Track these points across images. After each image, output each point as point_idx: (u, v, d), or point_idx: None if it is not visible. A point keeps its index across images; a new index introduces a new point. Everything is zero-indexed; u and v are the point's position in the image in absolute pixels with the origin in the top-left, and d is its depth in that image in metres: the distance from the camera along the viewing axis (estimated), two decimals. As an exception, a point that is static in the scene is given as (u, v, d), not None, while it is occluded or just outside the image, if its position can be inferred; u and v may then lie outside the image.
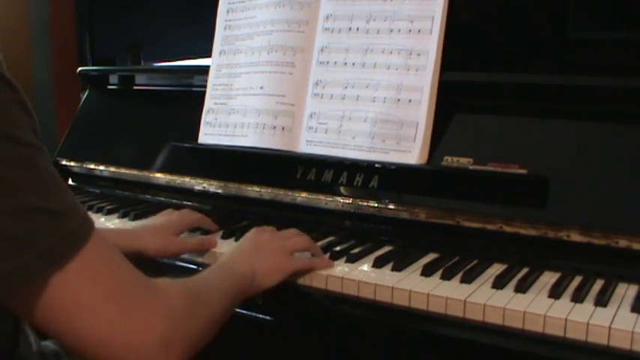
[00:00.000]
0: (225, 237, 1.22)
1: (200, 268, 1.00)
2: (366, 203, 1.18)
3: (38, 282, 0.64)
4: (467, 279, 0.98)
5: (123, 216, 1.38)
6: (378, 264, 1.05)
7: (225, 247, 1.17)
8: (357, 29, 1.24)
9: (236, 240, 1.19)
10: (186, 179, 1.42)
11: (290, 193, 1.27)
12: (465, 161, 1.11)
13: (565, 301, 0.90)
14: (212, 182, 1.38)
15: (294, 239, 1.06)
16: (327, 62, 1.27)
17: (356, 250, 1.11)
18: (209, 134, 1.41)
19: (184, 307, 0.74)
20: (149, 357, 0.69)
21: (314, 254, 1.07)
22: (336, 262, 1.07)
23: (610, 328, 0.82)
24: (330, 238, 1.19)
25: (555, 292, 0.92)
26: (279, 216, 1.28)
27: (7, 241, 0.62)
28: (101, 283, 0.68)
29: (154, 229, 1.14)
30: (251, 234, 1.06)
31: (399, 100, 1.18)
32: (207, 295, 0.82)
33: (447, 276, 0.99)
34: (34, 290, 0.64)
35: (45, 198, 0.64)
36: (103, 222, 1.35)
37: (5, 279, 0.63)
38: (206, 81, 1.43)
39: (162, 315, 0.71)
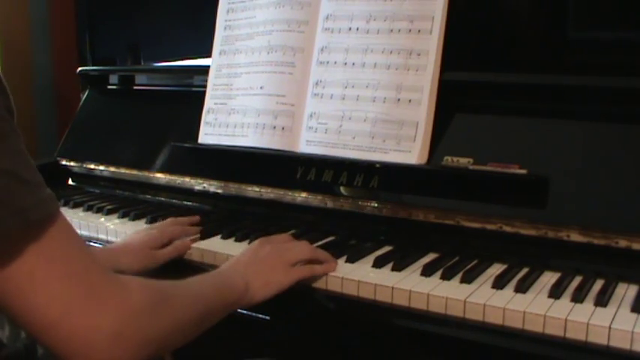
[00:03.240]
0: (225, 237, 1.22)
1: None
2: (366, 203, 1.18)
3: (3, 243, 0.64)
4: (467, 279, 0.98)
5: (123, 216, 1.38)
6: (378, 264, 1.05)
7: (224, 246, 1.17)
8: (357, 29, 1.24)
9: (236, 240, 1.20)
10: (186, 179, 1.42)
11: (290, 193, 1.27)
12: (464, 161, 1.11)
13: (565, 301, 0.90)
14: (212, 182, 1.38)
15: (296, 250, 1.05)
16: (327, 62, 1.27)
17: (356, 250, 1.11)
18: (209, 134, 1.41)
19: (145, 305, 0.73)
20: (96, 346, 0.68)
21: (321, 261, 1.06)
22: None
23: (610, 328, 0.82)
24: (330, 238, 1.19)
25: (555, 292, 0.92)
26: (279, 216, 1.28)
27: None
28: (59, 263, 0.68)
29: (132, 249, 1.14)
30: (253, 246, 1.05)
31: (399, 100, 1.18)
32: (179, 299, 0.80)
33: (447, 276, 0.99)
34: None
35: (17, 166, 0.65)
36: (103, 222, 1.35)
37: None
38: (206, 81, 1.43)
39: (117, 308, 0.70)
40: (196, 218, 1.29)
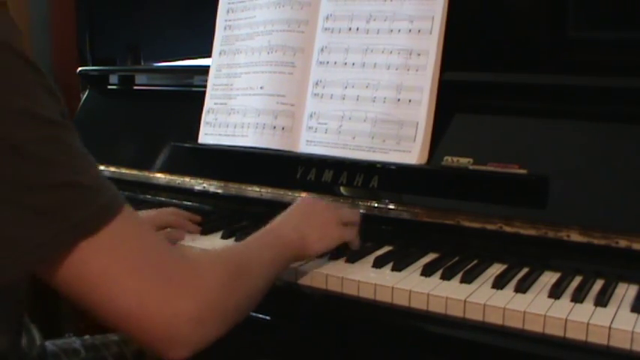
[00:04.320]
0: (225, 237, 1.22)
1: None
2: (366, 203, 1.18)
3: (70, 253, 0.65)
4: (467, 279, 0.98)
5: (123, 216, 1.38)
6: (378, 264, 1.05)
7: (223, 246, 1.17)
8: (357, 29, 1.24)
9: (236, 240, 1.19)
10: (186, 179, 1.42)
11: (290, 193, 1.27)
12: (465, 161, 1.11)
13: (565, 301, 0.90)
14: (212, 182, 1.38)
15: (346, 210, 1.07)
16: (327, 62, 1.27)
17: (356, 250, 1.11)
18: (209, 134, 1.41)
19: (219, 281, 0.74)
20: (181, 330, 0.69)
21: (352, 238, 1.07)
22: (336, 262, 1.07)
23: (610, 328, 0.82)
24: (330, 238, 1.19)
25: (555, 292, 0.92)
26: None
27: (41, 215, 0.63)
28: (130, 257, 0.69)
29: None
30: (302, 202, 1.05)
31: (399, 100, 1.18)
32: (248, 268, 0.81)
33: (447, 276, 0.99)
34: (66, 262, 0.66)
35: (76, 173, 0.66)
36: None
37: (38, 249, 0.64)
38: (206, 81, 1.43)
39: (194, 289, 0.71)
40: (197, 218, 1.29)
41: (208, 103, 1.42)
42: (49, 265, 0.66)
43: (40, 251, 0.64)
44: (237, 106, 1.37)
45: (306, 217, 1.00)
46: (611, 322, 0.83)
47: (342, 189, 1.21)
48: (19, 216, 0.62)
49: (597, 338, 0.83)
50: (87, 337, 1.11)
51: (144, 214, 1.23)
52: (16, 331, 0.81)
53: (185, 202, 1.43)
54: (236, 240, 1.20)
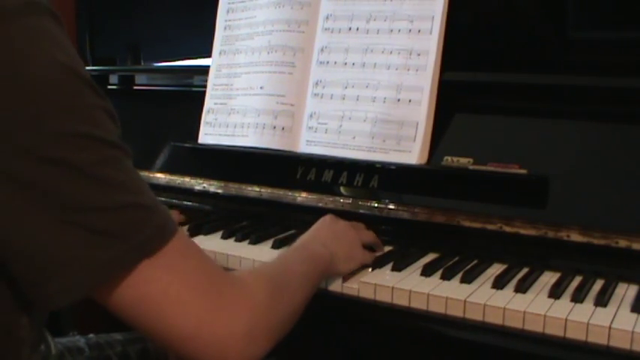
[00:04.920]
0: (225, 237, 1.22)
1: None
2: (366, 203, 1.18)
3: (131, 273, 0.66)
4: (467, 279, 0.98)
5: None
6: (378, 264, 1.05)
7: (225, 246, 1.17)
8: (357, 29, 1.24)
9: (236, 240, 1.20)
10: (186, 179, 1.42)
11: (290, 193, 1.27)
12: (465, 161, 1.11)
13: (565, 301, 0.90)
14: (212, 182, 1.38)
15: (366, 232, 1.09)
16: (327, 62, 1.27)
17: (356, 250, 1.11)
18: (209, 134, 1.41)
19: (266, 298, 0.75)
20: (233, 349, 0.70)
21: (377, 250, 1.10)
22: (336, 262, 1.07)
23: (610, 328, 0.83)
24: (330, 238, 1.19)
25: (555, 292, 0.92)
26: (280, 216, 1.28)
27: (104, 236, 0.64)
28: (189, 278, 0.69)
29: None
30: (326, 220, 1.06)
31: (399, 100, 1.18)
32: (287, 283, 0.82)
33: (447, 276, 0.99)
34: (126, 282, 0.66)
35: (135, 194, 0.67)
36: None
37: (99, 270, 0.64)
38: (206, 81, 1.43)
39: (245, 308, 0.72)
40: (176, 213, 1.33)
41: (208, 103, 1.42)
42: (109, 287, 0.66)
43: (102, 272, 0.64)
44: (237, 106, 1.37)
45: (334, 236, 1.01)
46: (611, 322, 0.83)
47: (342, 189, 1.21)
48: (82, 237, 0.63)
49: (597, 338, 0.83)
50: (91, 335, 1.11)
51: None
52: (37, 339, 0.81)
53: (185, 202, 1.43)
54: (236, 240, 1.20)
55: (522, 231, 1.04)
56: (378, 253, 1.09)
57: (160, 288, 0.67)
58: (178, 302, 0.68)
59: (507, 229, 1.05)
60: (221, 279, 0.73)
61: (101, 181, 0.64)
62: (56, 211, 0.62)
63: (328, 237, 1.00)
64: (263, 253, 1.13)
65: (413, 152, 1.15)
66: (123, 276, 0.66)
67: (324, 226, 1.04)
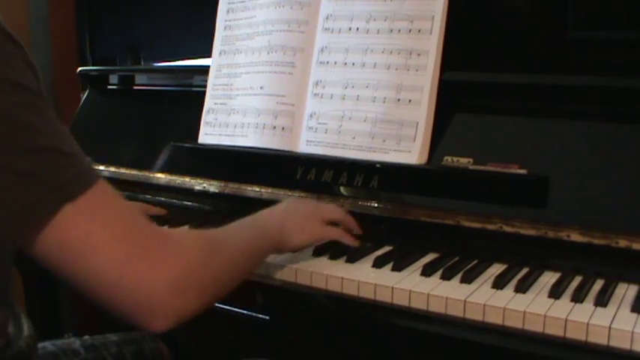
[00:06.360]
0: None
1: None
2: (366, 203, 1.18)
3: (51, 218, 0.67)
4: (467, 279, 0.98)
5: (123, 216, 1.38)
6: (378, 264, 1.05)
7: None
8: (357, 29, 1.24)
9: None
10: (186, 179, 1.42)
11: (290, 193, 1.27)
12: (465, 161, 1.11)
13: (565, 301, 0.90)
14: (212, 182, 1.38)
15: (330, 207, 1.09)
16: (327, 62, 1.27)
17: (356, 250, 1.11)
18: (209, 134, 1.41)
19: (198, 255, 0.76)
20: (159, 300, 0.71)
21: (348, 227, 1.09)
22: (336, 262, 1.07)
23: (610, 328, 0.82)
24: (330, 238, 1.19)
25: (555, 292, 0.92)
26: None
27: (22, 178, 0.65)
28: (111, 225, 0.70)
29: None
30: (289, 200, 1.08)
31: (399, 100, 1.18)
32: (226, 245, 0.83)
33: (447, 276, 0.99)
34: (47, 227, 0.67)
35: (57, 140, 0.68)
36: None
37: (20, 213, 0.65)
38: (206, 81, 1.43)
39: (173, 261, 0.72)
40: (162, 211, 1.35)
41: (208, 103, 1.42)
42: (32, 230, 0.67)
43: (25, 213, 0.65)
44: (237, 106, 1.37)
45: (289, 212, 1.02)
46: (611, 322, 0.83)
47: (342, 189, 1.21)
48: (4, 179, 0.64)
49: (597, 338, 0.83)
50: (86, 337, 1.11)
51: None
52: (4, 306, 0.81)
53: (185, 202, 1.43)
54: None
55: (522, 231, 1.04)
56: (349, 234, 1.08)
57: (81, 234, 0.68)
58: (99, 249, 0.69)
59: (507, 229, 1.05)
60: (148, 231, 0.73)
61: (24, 124, 0.65)
62: None
63: (283, 213, 1.01)
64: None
65: (413, 152, 1.15)
66: (45, 220, 0.66)
67: (282, 204, 1.05)
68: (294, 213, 1.02)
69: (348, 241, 1.07)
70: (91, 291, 0.71)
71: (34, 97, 0.67)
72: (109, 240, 0.69)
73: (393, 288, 0.97)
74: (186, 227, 0.81)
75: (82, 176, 0.69)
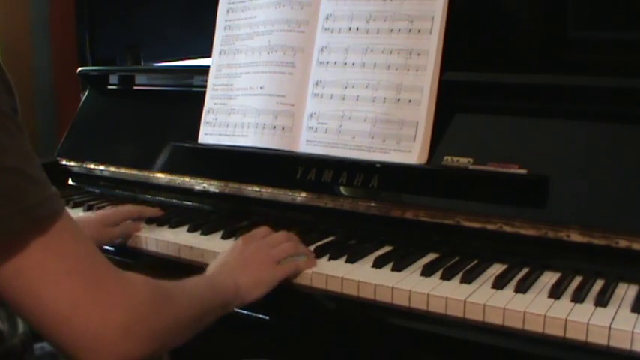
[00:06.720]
0: (225, 237, 1.22)
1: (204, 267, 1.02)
2: (366, 203, 1.18)
3: (10, 241, 0.66)
4: (467, 279, 0.98)
5: (123, 216, 1.38)
6: (378, 264, 1.05)
7: (224, 245, 1.17)
8: (357, 29, 1.24)
9: (236, 239, 1.19)
10: (186, 179, 1.42)
11: (290, 193, 1.27)
12: (465, 161, 1.11)
13: (565, 301, 0.90)
14: (212, 182, 1.38)
15: (281, 247, 1.05)
16: (327, 62, 1.27)
17: (356, 250, 1.11)
18: (209, 134, 1.41)
19: (150, 301, 0.75)
20: (107, 341, 0.69)
21: (303, 255, 1.07)
22: (336, 262, 1.07)
23: (610, 328, 0.82)
24: (330, 238, 1.19)
25: (555, 292, 0.92)
26: (279, 216, 1.28)
27: None
28: (68, 259, 0.69)
29: (87, 224, 1.19)
30: (238, 244, 1.06)
31: (399, 100, 1.18)
32: (178, 298, 0.82)
33: (447, 276, 0.99)
34: (8, 250, 0.66)
35: (27, 164, 0.67)
36: (103, 222, 1.35)
37: None
38: (206, 81, 1.43)
39: (125, 302, 0.71)
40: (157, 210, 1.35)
41: (208, 103, 1.42)
42: None
43: None
44: (237, 106, 1.37)
45: (240, 265, 1.00)
46: (611, 322, 0.83)
47: (342, 189, 1.21)
48: None
49: (597, 338, 0.83)
50: None
51: (100, 213, 1.30)
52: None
53: (185, 202, 1.43)
54: (236, 239, 1.20)
55: (522, 231, 1.04)
56: (300, 258, 1.06)
57: (39, 263, 0.67)
58: (53, 282, 0.68)
59: (507, 229, 1.05)
60: (104, 271, 0.72)
61: None
62: None
63: (236, 266, 1.00)
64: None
65: (413, 152, 1.15)
66: (7, 241, 0.65)
67: (233, 253, 1.03)
68: (243, 267, 1.00)
69: (304, 267, 1.05)
70: (36, 323, 0.69)
71: (5, 118, 0.66)
72: (65, 274, 0.68)
73: (393, 288, 0.97)
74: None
75: (46, 204, 0.68)
